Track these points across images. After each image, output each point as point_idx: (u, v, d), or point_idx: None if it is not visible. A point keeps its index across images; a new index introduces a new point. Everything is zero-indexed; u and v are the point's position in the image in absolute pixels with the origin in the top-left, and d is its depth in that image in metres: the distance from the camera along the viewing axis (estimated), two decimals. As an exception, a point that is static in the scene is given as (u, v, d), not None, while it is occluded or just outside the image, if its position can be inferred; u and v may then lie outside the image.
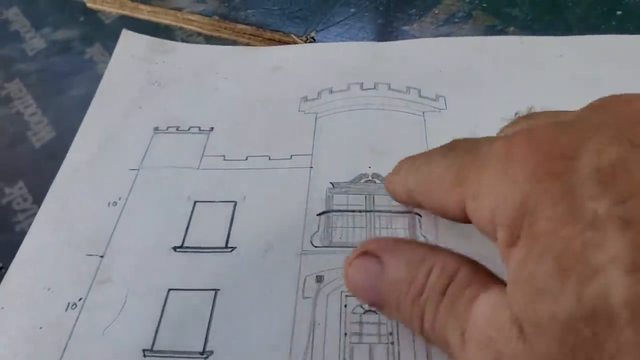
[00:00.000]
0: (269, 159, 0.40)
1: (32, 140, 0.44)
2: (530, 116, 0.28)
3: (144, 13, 0.57)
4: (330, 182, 0.38)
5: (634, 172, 0.17)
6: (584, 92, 0.43)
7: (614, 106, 0.20)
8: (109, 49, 0.52)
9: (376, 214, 0.37)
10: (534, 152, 0.20)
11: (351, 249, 0.34)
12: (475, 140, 0.26)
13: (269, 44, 0.52)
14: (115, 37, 0.53)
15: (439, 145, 0.38)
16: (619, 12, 0.52)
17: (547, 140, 0.20)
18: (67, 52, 0.53)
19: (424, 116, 0.43)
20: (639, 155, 0.17)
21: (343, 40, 0.51)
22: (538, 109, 0.42)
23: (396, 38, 0.51)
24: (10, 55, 0.53)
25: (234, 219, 0.37)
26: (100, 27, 0.55)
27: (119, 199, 0.38)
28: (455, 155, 0.26)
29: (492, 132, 0.41)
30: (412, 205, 0.34)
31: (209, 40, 0.53)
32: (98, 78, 0.49)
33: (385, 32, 0.52)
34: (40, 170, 0.41)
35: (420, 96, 0.44)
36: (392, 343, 0.30)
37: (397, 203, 0.36)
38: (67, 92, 0.48)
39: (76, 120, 0.45)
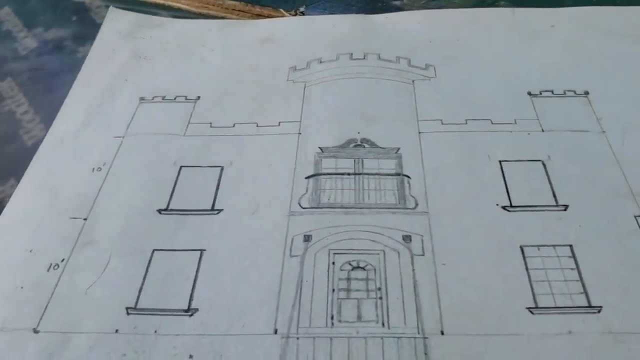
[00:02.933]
0: (257, 125, 0.40)
1: (24, 138, 0.43)
2: None
3: (133, -8, 0.56)
4: (319, 147, 0.38)
5: None
6: (575, 61, 0.43)
7: None
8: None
9: (365, 176, 0.36)
10: None
11: (340, 209, 0.34)
12: None
13: (258, 20, 0.51)
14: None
15: (427, 112, 0.39)
16: (609, -13, 0.52)
17: None
18: (59, 51, 0.52)
19: (413, 84, 0.42)
20: None
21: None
22: (530, 78, 0.42)
23: (386, 12, 0.50)
24: (3, 54, 0.52)
25: (221, 183, 0.36)
26: (92, 26, 0.54)
27: (104, 164, 0.38)
28: None
29: (482, 99, 0.41)
30: None
31: (198, 17, 0.53)
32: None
33: (375, 7, 0.52)
34: (31, 168, 0.40)
35: (410, 65, 0.44)
36: (381, 298, 0.30)
37: (387, 166, 0.36)
38: (59, 90, 0.47)
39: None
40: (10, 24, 0.56)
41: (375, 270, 0.31)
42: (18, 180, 0.39)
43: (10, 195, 0.38)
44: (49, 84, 0.48)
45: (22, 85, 0.48)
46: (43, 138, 0.42)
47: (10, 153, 0.42)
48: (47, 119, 0.44)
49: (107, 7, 0.54)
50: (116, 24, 0.51)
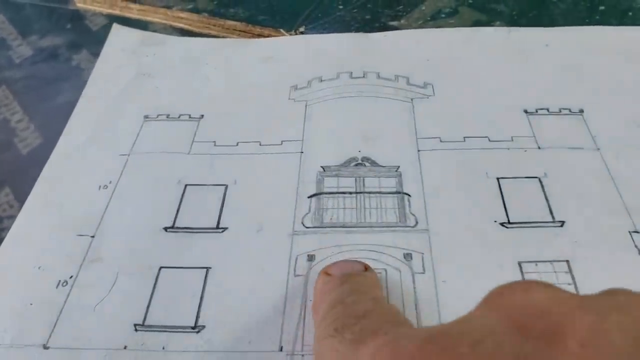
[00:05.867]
0: (260, 144, 0.41)
1: (18, 146, 0.44)
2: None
3: (134, 12, 0.57)
4: (321, 166, 0.39)
5: None
6: (570, 79, 0.45)
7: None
8: (96, 56, 0.51)
9: (366, 195, 0.37)
10: None
11: (343, 229, 0.35)
12: None
13: (259, 39, 0.52)
14: (102, 44, 0.52)
15: (426, 130, 0.40)
16: (602, 7, 0.53)
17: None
18: (53, 59, 0.53)
19: (412, 102, 0.43)
20: None
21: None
22: (526, 96, 0.43)
23: (384, 31, 0.51)
24: (-3, 62, 0.53)
25: (225, 202, 0.37)
26: (87, 34, 0.55)
27: (110, 182, 0.39)
28: None
29: (479, 116, 0.42)
30: None
31: (199, 37, 0.54)
32: (85, 84, 0.48)
33: (373, 28, 0.53)
34: (26, 176, 0.40)
35: (408, 84, 0.45)
36: (384, 315, 0.30)
37: (387, 184, 0.37)
38: (54, 98, 0.48)
39: (63, 127, 0.44)
40: (5, 32, 0.56)
41: (377, 287, 0.32)
42: (13, 188, 0.40)
43: (4, 204, 0.39)
44: (44, 92, 0.49)
45: (16, 94, 0.49)
46: (38, 146, 0.43)
47: (5, 161, 0.43)
48: (42, 127, 0.45)
49: (103, 14, 0.55)
50: (120, 41, 0.52)
